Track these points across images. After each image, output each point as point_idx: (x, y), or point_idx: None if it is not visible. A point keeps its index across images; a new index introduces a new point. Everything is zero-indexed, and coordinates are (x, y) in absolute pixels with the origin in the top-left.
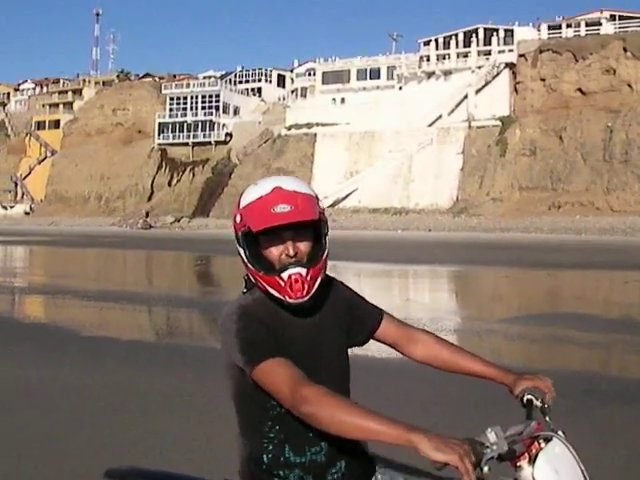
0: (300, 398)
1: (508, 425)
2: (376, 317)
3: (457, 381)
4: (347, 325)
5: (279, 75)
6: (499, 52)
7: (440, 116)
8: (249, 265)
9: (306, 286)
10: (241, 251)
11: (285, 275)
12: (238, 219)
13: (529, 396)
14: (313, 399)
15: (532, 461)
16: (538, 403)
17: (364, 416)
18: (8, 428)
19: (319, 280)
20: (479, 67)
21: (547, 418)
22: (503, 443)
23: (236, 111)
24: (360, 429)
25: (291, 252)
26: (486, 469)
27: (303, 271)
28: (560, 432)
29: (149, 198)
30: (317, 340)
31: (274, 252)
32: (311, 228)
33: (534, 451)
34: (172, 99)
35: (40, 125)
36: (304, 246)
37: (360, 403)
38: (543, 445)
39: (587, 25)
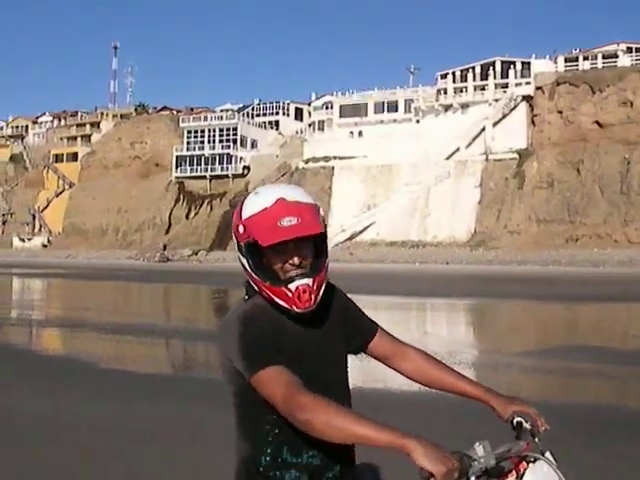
0: (295, 406)
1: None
2: (372, 329)
3: (471, 411)
4: (345, 331)
5: (296, 108)
6: (516, 85)
7: (457, 149)
8: (253, 275)
9: (313, 296)
10: (244, 260)
11: (293, 286)
12: (241, 229)
13: (519, 418)
14: (308, 406)
15: (519, 479)
16: (528, 425)
17: (359, 422)
18: (22, 458)
19: (323, 287)
20: (496, 100)
21: (536, 439)
22: (491, 457)
23: (254, 144)
24: (355, 435)
25: (296, 262)
26: None
27: (310, 281)
28: (548, 453)
29: (166, 231)
30: (319, 346)
31: (278, 262)
32: (313, 237)
33: (522, 470)
34: (190, 132)
35: (58, 158)
36: (307, 255)
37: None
38: (531, 465)
39: (604, 57)
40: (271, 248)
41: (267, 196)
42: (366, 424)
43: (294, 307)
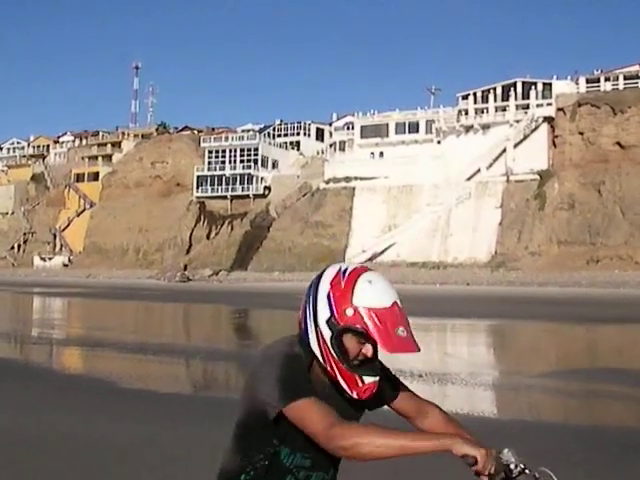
0: (336, 435)
1: None
2: (398, 388)
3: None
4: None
5: (317, 129)
6: (537, 106)
7: (478, 170)
8: (331, 350)
9: (373, 392)
10: (327, 334)
11: (366, 380)
12: (350, 313)
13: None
14: (350, 433)
15: None
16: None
17: (402, 436)
18: (42, 476)
19: None
20: (517, 121)
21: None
22: (520, 463)
23: (275, 164)
24: (402, 448)
25: (369, 356)
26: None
27: (377, 380)
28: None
29: (187, 251)
30: (348, 415)
31: (354, 348)
32: None
33: None
34: (211, 152)
35: (79, 177)
36: (371, 352)
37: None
38: None
39: (625, 78)
40: (353, 334)
41: (382, 294)
42: (407, 436)
43: (355, 393)
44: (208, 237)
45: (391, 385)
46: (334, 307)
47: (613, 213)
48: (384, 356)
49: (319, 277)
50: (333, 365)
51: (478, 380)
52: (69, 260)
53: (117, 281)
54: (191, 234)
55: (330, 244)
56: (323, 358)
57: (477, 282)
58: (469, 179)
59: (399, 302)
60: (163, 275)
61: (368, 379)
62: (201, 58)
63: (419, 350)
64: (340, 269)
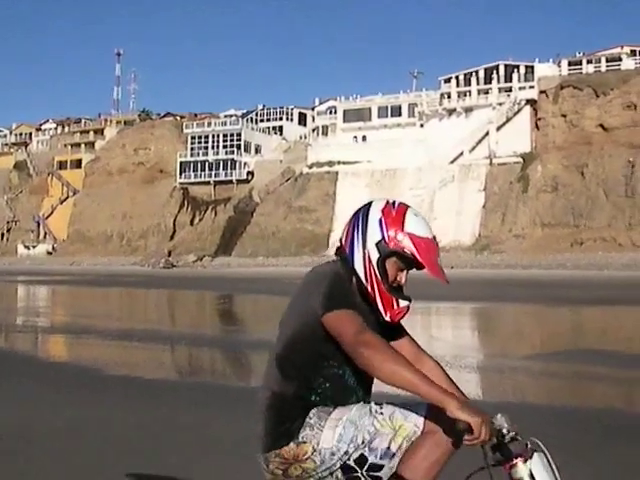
0: (362, 341)
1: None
2: (402, 331)
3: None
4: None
5: (300, 113)
6: (520, 89)
7: (461, 153)
8: (376, 270)
9: (404, 316)
10: (375, 255)
11: (402, 304)
12: (400, 237)
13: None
14: (373, 344)
15: (526, 461)
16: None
17: (411, 371)
18: (27, 467)
19: None
20: (500, 104)
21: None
22: (512, 429)
23: (257, 150)
24: (404, 380)
25: (403, 282)
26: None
27: (409, 305)
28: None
29: (171, 237)
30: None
31: (393, 272)
32: None
33: (529, 453)
34: (193, 138)
35: (62, 165)
36: (404, 280)
37: None
38: (535, 454)
39: (607, 61)
40: (397, 260)
41: (426, 227)
42: (416, 373)
43: (388, 315)
44: (192, 223)
45: (398, 328)
46: (385, 231)
47: (596, 195)
48: None
49: (367, 206)
50: (375, 285)
51: (462, 362)
52: (53, 248)
53: (101, 268)
54: (175, 220)
55: (314, 229)
56: (366, 278)
57: (461, 265)
58: (452, 162)
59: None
60: (147, 261)
61: (403, 302)
62: (183, 44)
63: (448, 282)
64: (388, 201)
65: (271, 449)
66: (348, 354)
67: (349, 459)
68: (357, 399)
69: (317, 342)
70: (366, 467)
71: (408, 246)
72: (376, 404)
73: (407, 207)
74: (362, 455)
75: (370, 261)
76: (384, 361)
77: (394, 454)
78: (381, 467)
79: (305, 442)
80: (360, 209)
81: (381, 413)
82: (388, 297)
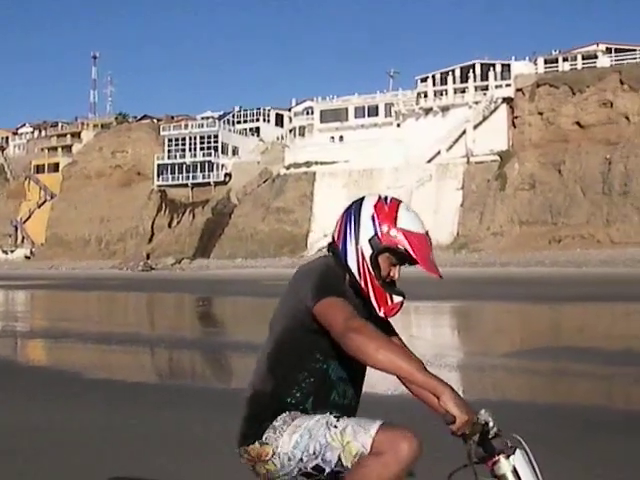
0: (353, 327)
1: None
2: (391, 330)
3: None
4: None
5: (277, 114)
6: (496, 87)
7: (439, 152)
8: (369, 266)
9: (398, 311)
10: (368, 251)
11: (396, 299)
12: (393, 233)
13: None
14: (365, 331)
15: (509, 457)
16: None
17: (405, 357)
18: (8, 471)
19: None
20: (476, 102)
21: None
22: (495, 426)
23: (235, 151)
24: (399, 367)
25: (396, 278)
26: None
27: (403, 301)
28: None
29: (149, 240)
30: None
31: (386, 267)
32: None
33: (511, 450)
34: (170, 140)
35: (39, 169)
36: (397, 276)
37: None
38: (518, 451)
39: (583, 58)
40: (389, 255)
41: (418, 222)
42: (411, 361)
43: (382, 311)
44: (170, 225)
45: (387, 325)
46: (378, 227)
47: (574, 192)
48: None
49: (359, 202)
50: (368, 281)
51: (442, 361)
52: (31, 252)
53: (80, 272)
54: (153, 223)
55: (292, 229)
56: (359, 274)
57: (440, 264)
58: (429, 161)
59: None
60: (126, 265)
61: (397, 298)
62: (159, 47)
63: (442, 277)
64: (380, 196)
65: (241, 445)
66: (338, 342)
67: (306, 467)
68: (338, 396)
69: (305, 335)
70: (324, 476)
71: (401, 242)
72: (335, 416)
73: (399, 202)
74: (318, 465)
75: (363, 257)
76: (379, 347)
77: (346, 468)
78: (337, 477)
79: (267, 444)
80: (352, 205)
81: (335, 426)
82: (382, 293)
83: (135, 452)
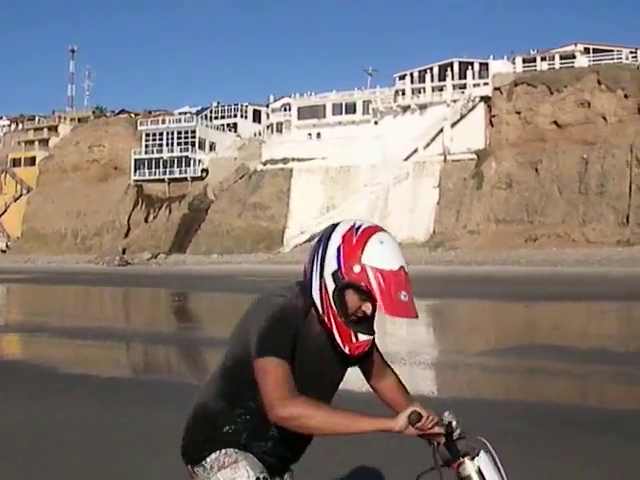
0: (279, 403)
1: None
2: (374, 349)
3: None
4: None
5: (255, 110)
6: (474, 86)
7: (416, 150)
8: (332, 303)
9: (366, 349)
10: (331, 286)
11: (361, 337)
12: (357, 270)
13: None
14: (292, 404)
15: (473, 459)
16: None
17: (342, 415)
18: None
19: None
20: (454, 101)
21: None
22: (459, 428)
23: (212, 147)
24: (341, 425)
25: (367, 314)
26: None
27: (371, 339)
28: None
29: (126, 235)
30: (323, 369)
31: (354, 304)
32: None
33: (476, 451)
34: (148, 135)
35: (15, 162)
36: (370, 310)
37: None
38: (482, 452)
39: (562, 58)
40: (355, 290)
41: (390, 257)
42: (347, 415)
43: (347, 349)
44: (146, 220)
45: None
46: (342, 261)
47: (550, 192)
48: None
49: (332, 229)
50: (331, 317)
51: (417, 359)
52: (7, 246)
53: (56, 266)
54: (129, 218)
55: (268, 226)
56: (323, 309)
57: (416, 262)
58: (407, 159)
59: (406, 267)
60: (102, 259)
61: (362, 337)
62: (137, 41)
63: (417, 317)
64: (354, 225)
65: (181, 456)
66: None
67: None
68: (273, 436)
69: (248, 375)
70: None
71: (364, 280)
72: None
73: (373, 232)
74: None
75: (327, 291)
76: (308, 417)
77: None
78: None
79: (196, 475)
80: (324, 232)
81: None
82: (346, 330)
83: (110, 448)
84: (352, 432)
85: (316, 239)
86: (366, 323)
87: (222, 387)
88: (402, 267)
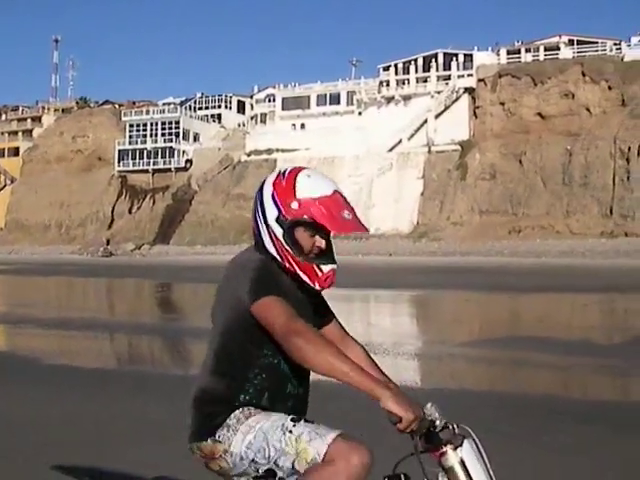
0: (293, 330)
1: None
2: (330, 315)
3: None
4: (315, 309)
5: (239, 101)
6: (458, 77)
7: (400, 141)
8: (285, 246)
9: (334, 280)
10: (278, 231)
11: (325, 268)
12: (295, 206)
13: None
14: (305, 333)
15: (456, 448)
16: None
17: (344, 361)
18: None
19: None
20: (438, 92)
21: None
22: (442, 418)
23: (196, 137)
24: (337, 371)
25: (323, 247)
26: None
27: (335, 267)
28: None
29: (110, 225)
30: (305, 313)
31: (307, 242)
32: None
33: (459, 440)
34: (132, 126)
35: None
36: (325, 242)
37: None
38: (466, 441)
39: (546, 50)
40: (306, 228)
41: (322, 184)
42: (349, 364)
43: (317, 284)
44: (130, 211)
45: (324, 308)
46: (280, 204)
47: (534, 183)
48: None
49: (262, 183)
50: (290, 260)
51: (401, 350)
52: None
53: (40, 257)
54: (113, 208)
55: None
56: (280, 256)
57: (400, 253)
58: (391, 150)
59: (340, 191)
60: (86, 250)
61: (326, 267)
62: (121, 32)
63: (367, 230)
64: (280, 171)
65: (193, 441)
66: (279, 345)
67: (258, 470)
68: (293, 387)
69: (250, 332)
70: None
71: (305, 212)
72: (292, 420)
73: (299, 170)
74: (271, 469)
75: (277, 238)
76: (317, 352)
77: (299, 473)
78: None
79: (220, 442)
80: (258, 187)
81: (290, 431)
82: (308, 267)
83: (95, 439)
84: (356, 386)
85: (253, 200)
86: (325, 255)
87: (222, 364)
88: (336, 191)
